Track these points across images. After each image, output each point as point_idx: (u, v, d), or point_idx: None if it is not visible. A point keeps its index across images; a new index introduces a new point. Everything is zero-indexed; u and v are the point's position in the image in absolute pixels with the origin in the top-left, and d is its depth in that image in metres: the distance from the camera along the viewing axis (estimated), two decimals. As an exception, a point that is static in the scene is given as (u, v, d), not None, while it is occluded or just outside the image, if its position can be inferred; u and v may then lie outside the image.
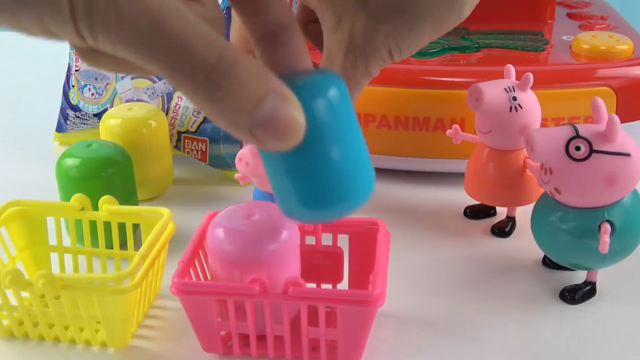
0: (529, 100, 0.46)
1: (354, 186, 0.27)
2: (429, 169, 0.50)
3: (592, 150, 0.38)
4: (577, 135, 0.38)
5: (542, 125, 0.52)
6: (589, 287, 0.42)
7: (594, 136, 0.38)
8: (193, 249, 0.38)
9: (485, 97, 0.45)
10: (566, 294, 0.42)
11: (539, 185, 0.41)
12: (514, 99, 0.45)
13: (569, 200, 0.40)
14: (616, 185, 0.38)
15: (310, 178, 0.26)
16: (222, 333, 0.38)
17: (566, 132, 0.39)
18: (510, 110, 0.45)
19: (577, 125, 0.39)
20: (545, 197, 0.42)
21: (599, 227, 0.39)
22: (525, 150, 0.47)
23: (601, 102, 0.39)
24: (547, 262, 0.46)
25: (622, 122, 0.37)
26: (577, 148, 0.38)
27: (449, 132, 0.50)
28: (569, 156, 0.38)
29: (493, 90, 0.45)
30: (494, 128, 0.46)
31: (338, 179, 0.27)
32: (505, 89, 0.46)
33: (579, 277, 0.44)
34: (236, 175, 0.48)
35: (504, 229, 0.49)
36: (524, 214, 0.48)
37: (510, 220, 0.50)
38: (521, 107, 0.45)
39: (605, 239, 0.38)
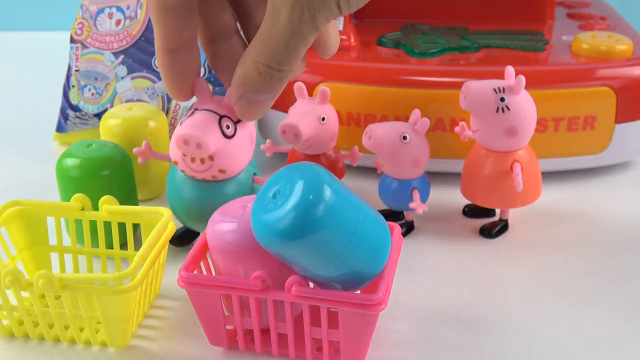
0: (521, 102, 0.45)
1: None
2: (429, 169, 0.50)
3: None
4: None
5: (542, 125, 0.52)
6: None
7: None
8: (203, 242, 0.38)
9: (469, 95, 0.45)
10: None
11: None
12: (502, 99, 0.45)
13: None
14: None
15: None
16: (230, 327, 0.38)
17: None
18: (497, 111, 0.45)
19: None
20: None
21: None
22: (514, 153, 0.47)
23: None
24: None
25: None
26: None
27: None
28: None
29: (480, 89, 0.45)
30: (481, 128, 0.46)
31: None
32: (494, 89, 0.45)
33: (571, 270, 0.44)
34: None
35: (491, 230, 0.49)
36: (527, 216, 0.48)
37: (502, 222, 0.50)
38: (509, 109, 0.45)
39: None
